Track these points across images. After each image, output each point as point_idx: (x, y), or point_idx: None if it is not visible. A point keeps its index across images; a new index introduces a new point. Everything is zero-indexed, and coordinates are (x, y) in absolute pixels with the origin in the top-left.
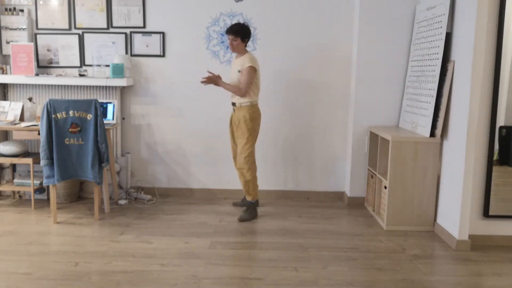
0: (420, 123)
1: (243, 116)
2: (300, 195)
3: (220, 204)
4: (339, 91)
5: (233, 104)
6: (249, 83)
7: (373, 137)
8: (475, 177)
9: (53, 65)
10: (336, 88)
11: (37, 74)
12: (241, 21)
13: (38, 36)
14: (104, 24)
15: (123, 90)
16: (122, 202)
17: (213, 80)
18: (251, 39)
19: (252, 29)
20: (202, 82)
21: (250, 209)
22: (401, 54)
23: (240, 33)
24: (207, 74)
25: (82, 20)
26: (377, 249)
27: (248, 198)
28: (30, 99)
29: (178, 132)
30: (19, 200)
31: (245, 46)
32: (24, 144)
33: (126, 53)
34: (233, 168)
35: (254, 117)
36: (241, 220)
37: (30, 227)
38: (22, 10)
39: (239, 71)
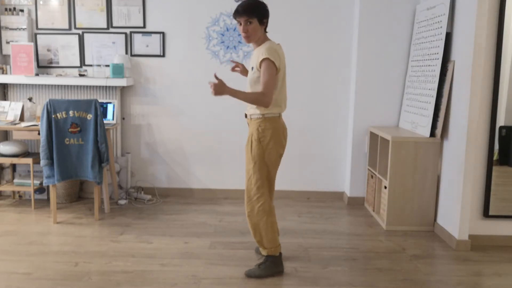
0: (420, 123)
1: (251, 134)
2: (300, 195)
3: (220, 204)
4: (339, 91)
5: (245, 116)
6: (272, 84)
7: (373, 137)
8: (475, 177)
9: (53, 65)
10: (336, 88)
11: (37, 74)
12: None
13: (38, 36)
14: (104, 24)
15: (123, 90)
16: (122, 202)
17: (219, 87)
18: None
19: None
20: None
21: (266, 263)
22: (401, 54)
23: (256, 11)
24: (213, 79)
25: (82, 20)
26: (377, 249)
27: (263, 252)
28: (30, 99)
29: (178, 132)
30: (19, 200)
31: (265, 31)
32: (24, 144)
33: (126, 53)
34: (233, 168)
35: (265, 136)
36: (249, 275)
37: (30, 227)
38: (22, 10)
39: (252, 69)
